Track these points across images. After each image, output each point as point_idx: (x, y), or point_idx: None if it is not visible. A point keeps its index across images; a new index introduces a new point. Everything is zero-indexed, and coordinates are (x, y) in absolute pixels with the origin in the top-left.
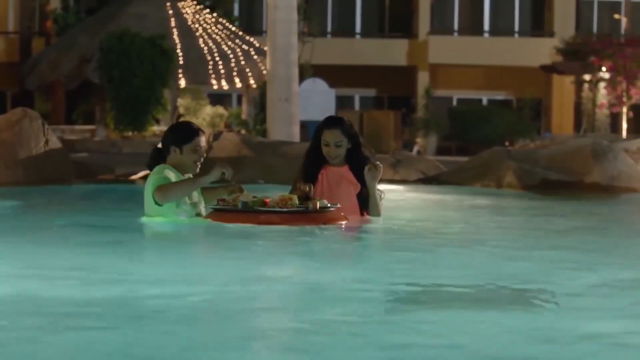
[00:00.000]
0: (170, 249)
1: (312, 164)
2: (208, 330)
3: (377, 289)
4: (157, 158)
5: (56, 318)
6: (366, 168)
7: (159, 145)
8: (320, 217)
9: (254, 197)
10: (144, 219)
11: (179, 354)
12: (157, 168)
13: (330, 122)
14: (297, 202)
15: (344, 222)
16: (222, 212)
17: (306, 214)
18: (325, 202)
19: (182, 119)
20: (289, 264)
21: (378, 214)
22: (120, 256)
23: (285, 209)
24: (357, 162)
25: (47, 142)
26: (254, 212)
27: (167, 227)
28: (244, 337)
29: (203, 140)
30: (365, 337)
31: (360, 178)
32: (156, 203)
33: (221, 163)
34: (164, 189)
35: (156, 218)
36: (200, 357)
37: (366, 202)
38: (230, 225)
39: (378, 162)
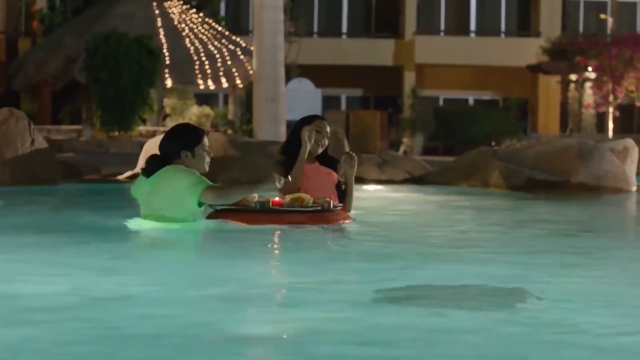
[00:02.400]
0: (160, 252)
1: (290, 159)
2: (197, 332)
3: (361, 290)
4: (162, 163)
5: (52, 319)
6: (343, 157)
7: (151, 153)
8: (339, 215)
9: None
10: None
11: (165, 355)
12: (179, 168)
13: (320, 116)
14: (310, 201)
15: (350, 220)
16: (244, 214)
17: (327, 213)
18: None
19: (168, 119)
20: (273, 264)
21: (349, 209)
22: (114, 257)
23: (310, 209)
24: (325, 158)
25: (33, 142)
26: (282, 213)
27: (164, 229)
28: (234, 340)
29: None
30: (351, 338)
31: (332, 169)
32: (199, 204)
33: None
34: (223, 191)
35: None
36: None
37: (342, 193)
38: (235, 226)
39: (352, 152)
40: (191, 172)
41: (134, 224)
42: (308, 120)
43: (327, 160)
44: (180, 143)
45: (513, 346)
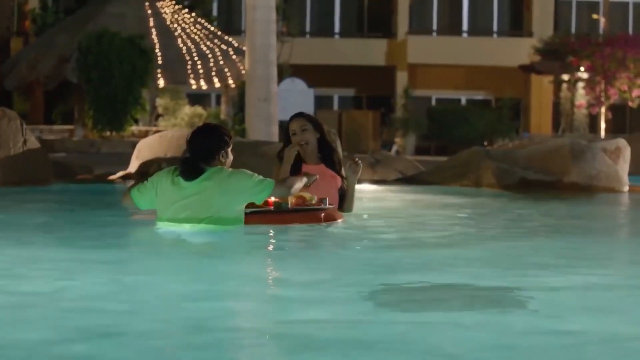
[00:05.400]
0: (157, 251)
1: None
2: (194, 331)
3: (353, 290)
4: (204, 166)
5: (63, 321)
6: (348, 163)
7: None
8: (336, 214)
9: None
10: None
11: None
12: (234, 170)
13: (293, 115)
14: (314, 198)
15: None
16: (273, 214)
17: (328, 211)
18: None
19: (160, 119)
20: (266, 263)
21: (350, 209)
22: (113, 256)
23: (329, 206)
24: (330, 158)
25: (25, 142)
26: (314, 211)
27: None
28: (234, 340)
29: None
30: (342, 338)
31: (338, 173)
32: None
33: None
34: (288, 183)
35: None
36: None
37: (343, 197)
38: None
39: (358, 159)
40: (249, 172)
41: (144, 225)
42: (285, 127)
43: (330, 157)
44: (218, 144)
45: (508, 345)
